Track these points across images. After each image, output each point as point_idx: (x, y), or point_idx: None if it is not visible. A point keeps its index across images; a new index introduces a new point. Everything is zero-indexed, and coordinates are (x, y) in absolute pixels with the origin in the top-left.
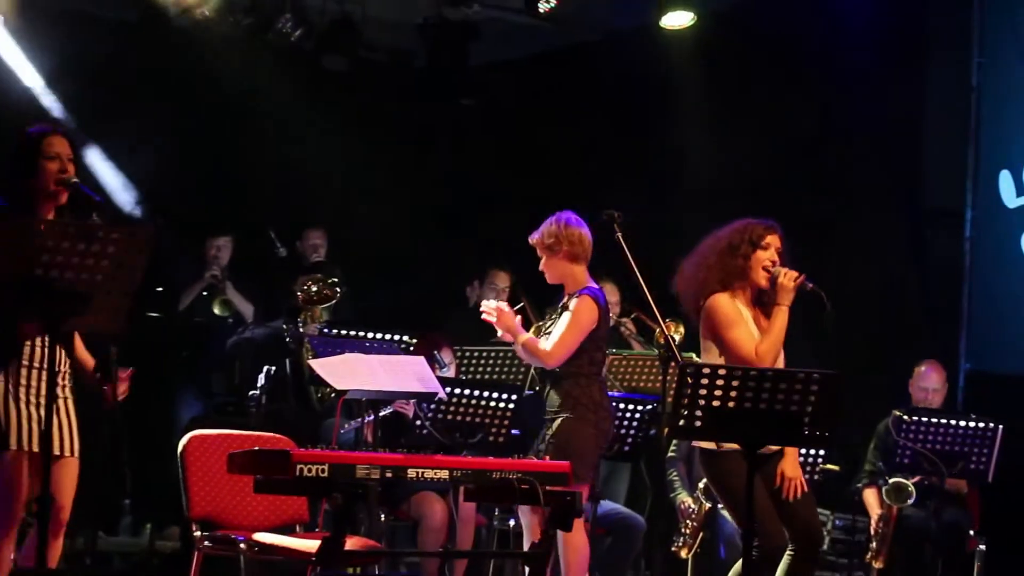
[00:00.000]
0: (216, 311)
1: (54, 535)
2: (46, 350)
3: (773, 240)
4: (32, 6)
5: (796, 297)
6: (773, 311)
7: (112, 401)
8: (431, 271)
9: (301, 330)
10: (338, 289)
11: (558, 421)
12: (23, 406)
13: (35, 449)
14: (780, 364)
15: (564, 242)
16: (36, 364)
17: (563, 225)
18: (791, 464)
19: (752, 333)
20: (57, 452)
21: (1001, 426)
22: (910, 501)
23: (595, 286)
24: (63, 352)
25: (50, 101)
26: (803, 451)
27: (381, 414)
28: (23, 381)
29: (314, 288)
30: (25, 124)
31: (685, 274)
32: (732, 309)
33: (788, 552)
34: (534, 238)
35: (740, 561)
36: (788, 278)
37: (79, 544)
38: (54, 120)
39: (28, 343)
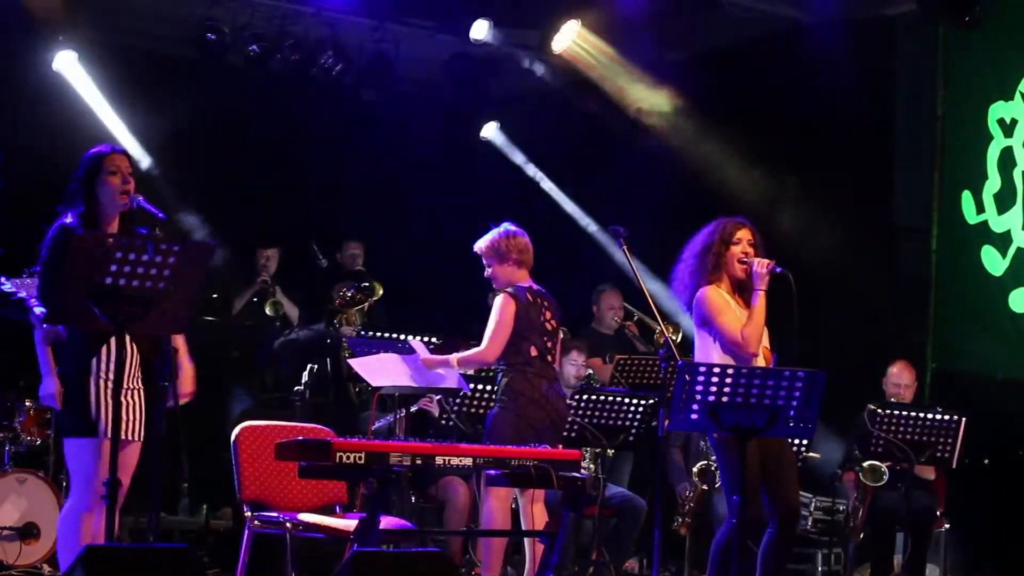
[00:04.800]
0: (267, 312)
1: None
2: (113, 350)
3: (744, 235)
4: (101, 44)
5: (771, 282)
6: (753, 296)
7: (175, 398)
8: (457, 281)
9: (340, 332)
10: (369, 294)
11: (492, 411)
12: (103, 399)
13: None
14: (765, 342)
15: (513, 251)
16: (109, 362)
17: (510, 236)
18: None
19: (738, 318)
20: (124, 437)
21: (964, 418)
22: (884, 480)
23: (525, 286)
24: (133, 350)
25: (119, 129)
26: (788, 440)
27: (409, 410)
28: (102, 377)
29: (348, 293)
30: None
31: (675, 278)
32: (719, 298)
33: (769, 529)
34: (481, 248)
35: (723, 527)
36: (761, 266)
37: (143, 522)
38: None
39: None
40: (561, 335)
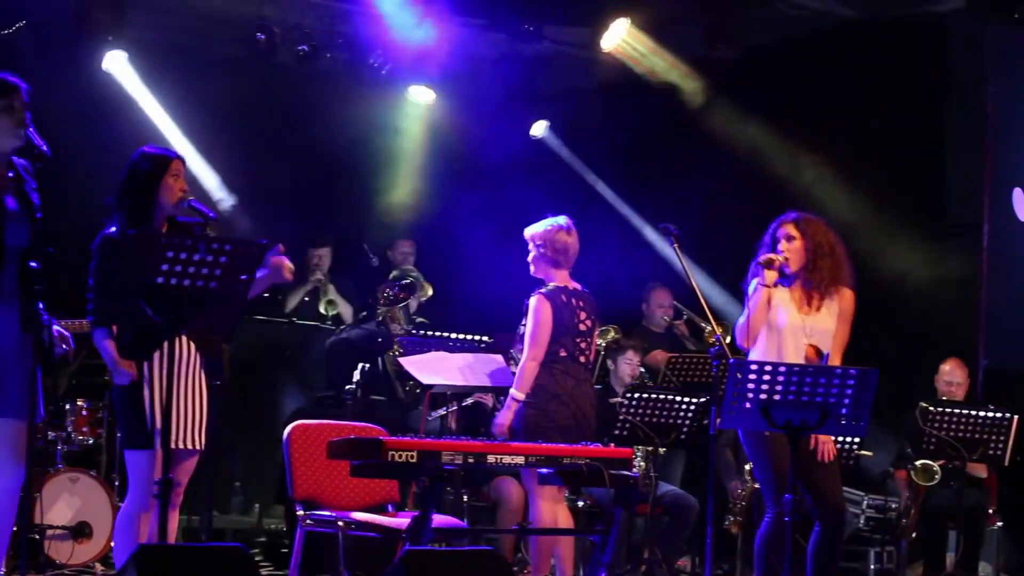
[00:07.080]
0: (322, 310)
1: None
2: (165, 352)
3: (782, 231)
4: (151, 43)
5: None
6: None
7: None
8: (507, 279)
9: (389, 330)
10: (412, 292)
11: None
12: (159, 407)
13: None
14: (817, 341)
15: (550, 248)
16: (162, 364)
17: (556, 232)
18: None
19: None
20: (181, 446)
21: (1016, 416)
22: (936, 479)
23: (561, 286)
24: (191, 351)
25: (169, 128)
26: (840, 438)
27: (463, 404)
28: (156, 382)
29: (390, 292)
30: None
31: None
32: (754, 292)
33: (816, 527)
34: (529, 234)
35: (765, 521)
36: (762, 259)
37: (196, 522)
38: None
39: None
40: (597, 334)
